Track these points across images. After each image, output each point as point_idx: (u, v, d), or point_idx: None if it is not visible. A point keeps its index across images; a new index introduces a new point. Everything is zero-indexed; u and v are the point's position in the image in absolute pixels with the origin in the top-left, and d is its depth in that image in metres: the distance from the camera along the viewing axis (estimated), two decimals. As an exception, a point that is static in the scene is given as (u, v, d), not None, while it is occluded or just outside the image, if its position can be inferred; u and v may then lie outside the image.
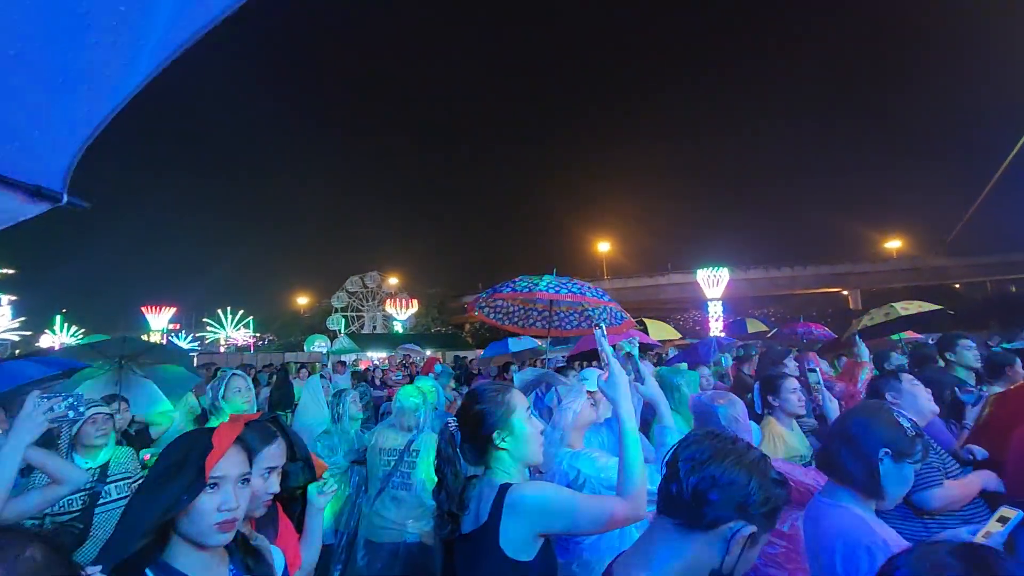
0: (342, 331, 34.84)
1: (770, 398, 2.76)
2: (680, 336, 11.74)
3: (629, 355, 2.21)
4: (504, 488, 1.41)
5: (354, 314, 43.61)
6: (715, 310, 32.65)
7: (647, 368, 2.29)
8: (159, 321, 46.67)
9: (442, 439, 1.53)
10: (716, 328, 29.09)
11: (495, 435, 1.50)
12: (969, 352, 3.65)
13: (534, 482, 1.58)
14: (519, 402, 1.57)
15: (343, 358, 17.20)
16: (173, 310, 48.16)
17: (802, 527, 1.68)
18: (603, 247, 48.00)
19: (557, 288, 2.68)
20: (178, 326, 51.95)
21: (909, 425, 1.51)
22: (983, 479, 2.17)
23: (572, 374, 3.15)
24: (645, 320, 10.55)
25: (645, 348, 7.72)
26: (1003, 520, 1.28)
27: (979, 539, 1.30)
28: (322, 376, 5.68)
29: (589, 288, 2.92)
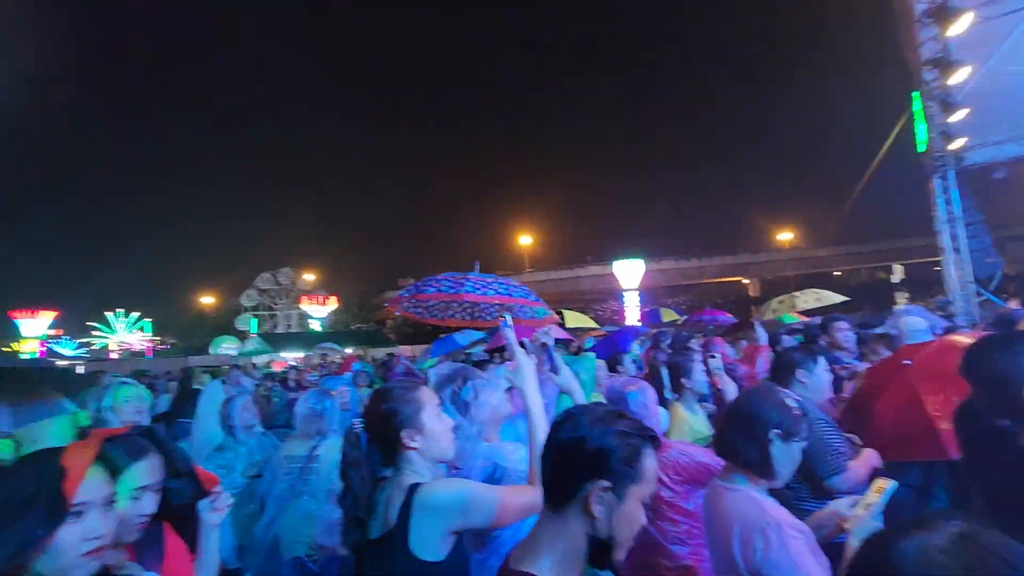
0: (253, 331, 32.87)
1: (683, 380, 2.94)
2: (596, 326, 12.15)
3: (544, 345, 2.23)
4: (414, 488, 1.37)
5: (266, 313, 41.27)
6: (632, 300, 34.09)
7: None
8: (34, 327, 41.36)
9: (347, 442, 1.46)
10: (633, 317, 30.40)
11: (403, 434, 1.46)
12: (841, 333, 4.06)
13: (444, 480, 1.55)
14: (428, 399, 1.54)
15: (255, 360, 16.21)
16: (53, 314, 42.81)
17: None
18: (525, 240, 48.66)
19: (483, 290, 2.64)
20: (61, 332, 46.44)
21: (796, 405, 1.60)
22: (872, 455, 2.26)
23: (491, 367, 3.14)
24: (563, 311, 10.80)
25: (563, 340, 7.90)
26: (879, 491, 1.41)
27: (860, 510, 1.39)
28: (224, 381, 5.26)
29: (516, 288, 2.91)
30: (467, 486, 1.43)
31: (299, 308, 40.82)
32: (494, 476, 2.04)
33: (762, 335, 4.46)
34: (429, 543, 1.32)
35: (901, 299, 28.22)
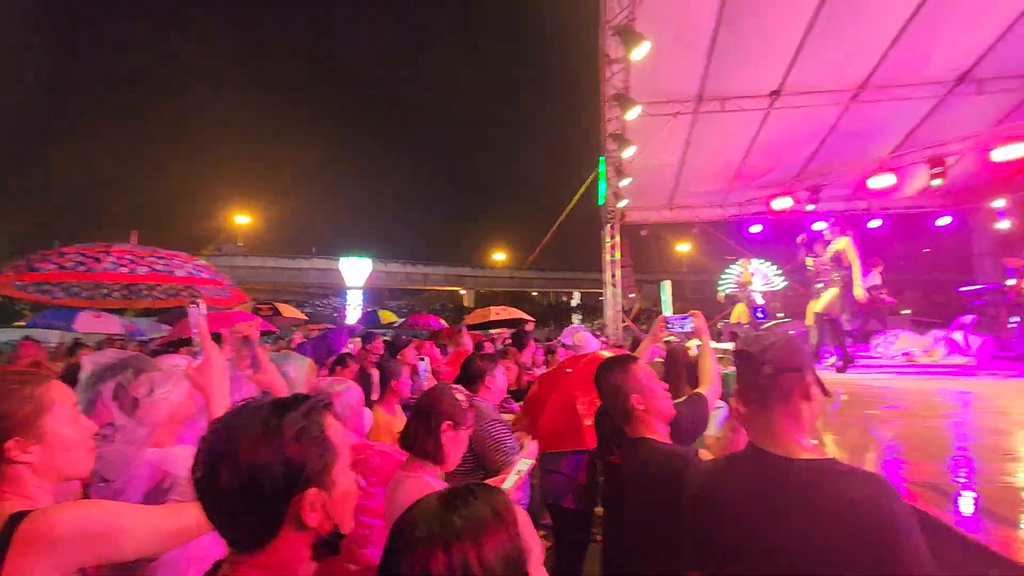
0: None
1: (393, 383, 3.01)
2: (306, 319, 11.62)
3: (247, 339, 1.99)
4: (15, 519, 1.03)
5: None
6: (355, 299, 33.54)
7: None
8: None
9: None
10: (354, 316, 29.89)
11: (9, 445, 1.09)
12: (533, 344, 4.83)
13: (64, 505, 1.22)
14: (57, 397, 1.19)
15: None
16: None
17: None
18: (242, 219, 43.16)
19: (132, 266, 2.14)
20: None
21: (463, 398, 1.85)
22: (533, 447, 2.74)
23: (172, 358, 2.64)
24: (277, 304, 9.96)
25: (267, 332, 7.24)
26: (519, 472, 1.67)
27: (507, 483, 1.63)
28: None
29: (187, 264, 2.45)
30: (95, 510, 1.15)
31: None
32: (161, 487, 1.71)
33: (468, 342, 4.92)
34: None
35: (576, 319, 34.96)
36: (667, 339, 3.22)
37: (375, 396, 3.06)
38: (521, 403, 3.55)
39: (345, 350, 5.62)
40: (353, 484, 0.97)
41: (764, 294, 11.77)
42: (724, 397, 2.59)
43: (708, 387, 2.26)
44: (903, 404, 4.19)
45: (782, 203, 10.94)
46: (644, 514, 1.75)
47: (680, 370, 2.80)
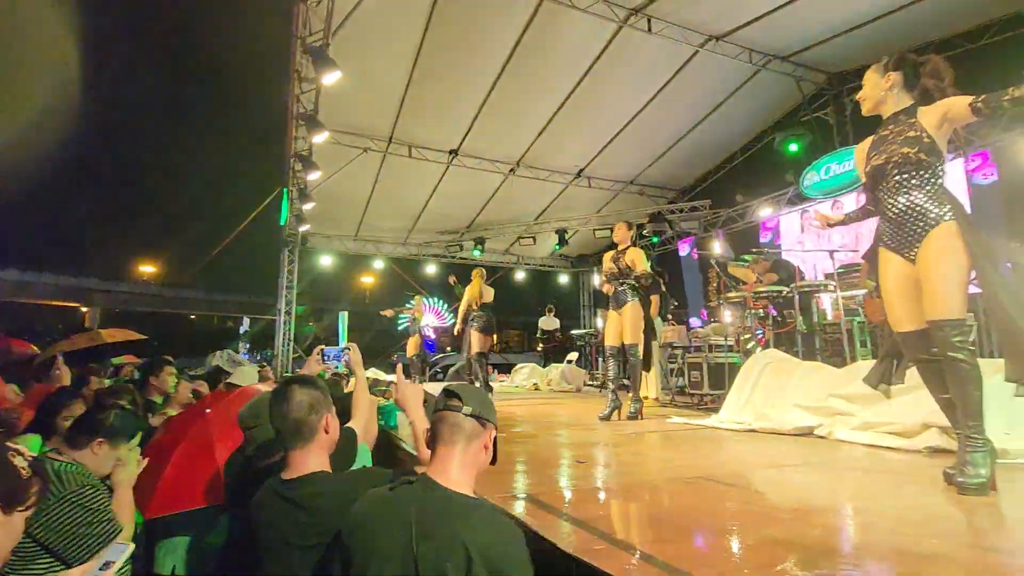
0: None
1: None
2: None
3: None
4: None
5: None
6: None
7: None
8: None
9: None
10: None
11: None
12: (172, 377, 4.01)
13: None
14: None
15: None
16: None
17: None
18: None
19: None
20: None
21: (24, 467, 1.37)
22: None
23: None
24: None
25: None
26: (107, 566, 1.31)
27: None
28: None
29: None
30: None
31: None
32: None
33: (65, 374, 3.78)
34: None
35: (243, 348, 31.14)
36: (335, 371, 3.11)
37: None
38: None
39: None
40: None
41: (435, 329, 12.83)
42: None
43: (360, 421, 2.24)
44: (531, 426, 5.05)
45: (455, 248, 12.33)
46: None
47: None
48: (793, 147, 9.08)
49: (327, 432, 1.67)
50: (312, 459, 1.63)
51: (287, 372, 10.52)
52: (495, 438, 1.44)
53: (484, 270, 7.78)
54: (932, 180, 2.15)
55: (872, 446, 3.09)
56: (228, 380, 3.44)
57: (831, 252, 5.37)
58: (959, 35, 7.40)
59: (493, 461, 1.45)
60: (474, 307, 7.30)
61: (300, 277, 12.30)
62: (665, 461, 2.91)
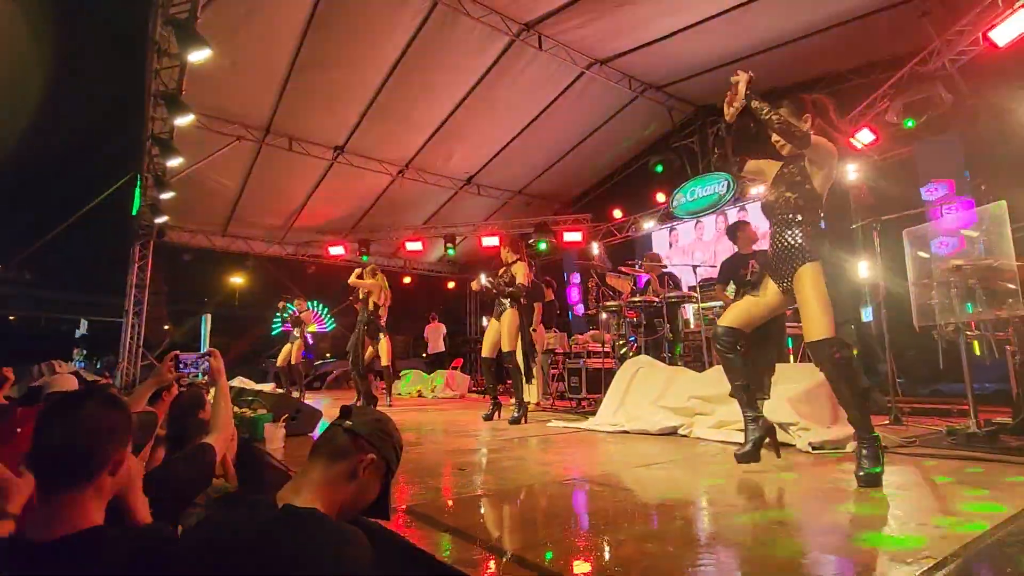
0: None
1: None
2: None
3: None
4: None
5: None
6: None
7: None
8: None
9: None
10: None
11: None
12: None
13: None
14: None
15: None
16: None
17: None
18: None
19: None
20: None
21: None
22: None
23: None
24: None
25: None
26: None
27: None
28: None
29: None
30: None
31: None
32: None
33: None
34: None
35: (79, 354, 26.92)
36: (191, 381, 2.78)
37: None
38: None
39: None
40: None
41: (314, 335, 12.07)
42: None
43: (218, 434, 2.01)
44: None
45: (337, 250, 11.73)
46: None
47: (189, 419, 2.43)
48: (659, 169, 9.94)
49: (112, 475, 1.12)
50: (86, 510, 1.07)
51: (135, 382, 9.26)
52: (387, 485, 1.29)
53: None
54: (811, 222, 2.42)
55: (724, 442, 3.43)
56: (48, 392, 2.92)
57: (694, 267, 5.92)
58: (814, 79, 8.46)
59: (385, 514, 1.31)
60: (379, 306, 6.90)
61: (155, 275, 10.94)
62: (543, 465, 2.98)
